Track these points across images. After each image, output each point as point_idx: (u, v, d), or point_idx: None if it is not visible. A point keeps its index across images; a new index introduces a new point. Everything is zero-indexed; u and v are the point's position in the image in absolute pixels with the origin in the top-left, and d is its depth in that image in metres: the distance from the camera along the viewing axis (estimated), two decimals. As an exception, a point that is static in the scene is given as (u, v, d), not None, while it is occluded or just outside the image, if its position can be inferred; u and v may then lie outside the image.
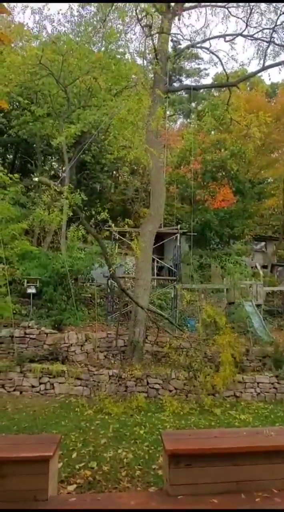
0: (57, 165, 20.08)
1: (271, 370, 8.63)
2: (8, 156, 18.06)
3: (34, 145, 15.79)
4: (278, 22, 12.19)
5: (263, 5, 12.57)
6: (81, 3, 14.51)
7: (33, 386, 7.72)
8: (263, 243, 19.54)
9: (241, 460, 2.73)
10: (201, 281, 14.32)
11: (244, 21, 12.74)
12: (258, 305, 11.75)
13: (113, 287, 11.25)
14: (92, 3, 13.99)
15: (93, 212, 8.71)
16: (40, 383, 7.75)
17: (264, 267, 17.11)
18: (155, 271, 13.66)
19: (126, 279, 12.33)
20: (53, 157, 19.05)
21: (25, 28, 13.15)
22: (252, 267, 15.00)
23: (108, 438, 5.44)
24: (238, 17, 13.07)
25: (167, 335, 9.34)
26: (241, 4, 12.86)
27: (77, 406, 6.96)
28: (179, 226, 13.42)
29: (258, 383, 8.28)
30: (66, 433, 5.47)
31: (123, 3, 13.30)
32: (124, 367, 8.14)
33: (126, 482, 4.03)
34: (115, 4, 13.02)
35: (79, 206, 7.86)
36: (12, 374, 7.76)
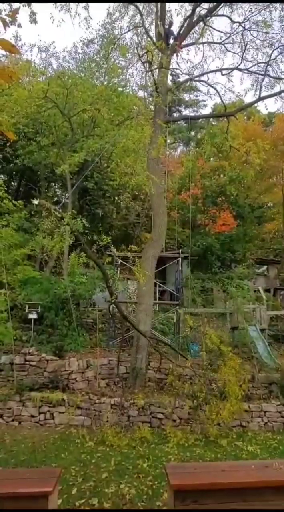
0: (60, 191, 20.55)
1: (278, 398, 8.34)
2: (13, 183, 18.53)
3: (38, 172, 16.25)
4: (272, 56, 12.96)
5: (258, 41, 13.40)
6: (85, 42, 15.47)
7: (32, 416, 7.46)
8: (265, 267, 19.51)
9: (250, 496, 2.59)
10: (204, 305, 14.18)
11: (240, 56, 13.51)
12: (262, 330, 11.55)
13: (115, 312, 11.14)
14: (96, 42, 14.93)
15: (95, 237, 8.76)
16: (40, 413, 7.49)
17: (266, 290, 16.98)
18: (157, 295, 13.57)
19: (128, 303, 12.23)
20: (57, 184, 19.53)
21: (32, 65, 13.98)
22: (254, 291, 14.89)
23: (110, 472, 5.20)
24: (234, 52, 13.86)
25: (170, 361, 9.12)
26: (236, 40, 13.69)
27: (77, 437, 6.70)
28: (180, 250, 13.49)
29: (265, 412, 7.98)
30: (66, 467, 5.24)
31: (125, 42, 14.17)
32: (126, 396, 7.89)
33: (129, 521, 3.81)
34: (117, 42, 13.89)
35: (81, 232, 7.69)
36: (11, 403, 7.53)
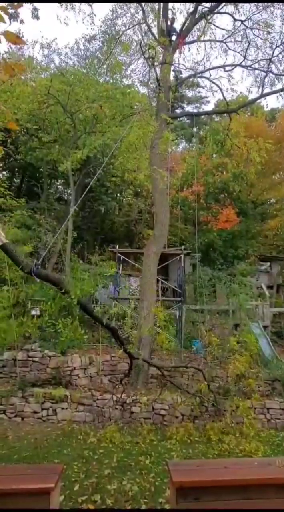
0: (62, 188, 20.50)
1: (281, 395, 8.31)
2: (15, 180, 18.52)
3: (41, 169, 16.21)
4: (274, 54, 12.86)
5: (259, 41, 13.30)
6: (87, 38, 15.36)
7: (35, 412, 7.49)
8: (268, 264, 19.38)
9: (253, 493, 2.56)
10: (205, 301, 14.12)
11: (241, 55, 13.42)
12: (265, 327, 11.50)
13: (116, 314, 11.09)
14: (98, 39, 14.83)
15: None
16: (42, 409, 7.52)
17: (269, 287, 16.88)
18: (160, 292, 13.55)
19: (130, 300, 12.21)
20: (59, 180, 19.48)
21: (34, 62, 13.87)
22: (257, 288, 14.81)
23: (112, 469, 5.20)
24: (236, 51, 13.77)
25: (173, 358, 9.11)
26: (238, 39, 13.59)
27: (80, 433, 6.71)
28: (183, 247, 13.43)
29: (268, 409, 7.96)
30: (68, 463, 5.25)
31: (127, 39, 14.06)
32: (129, 392, 7.89)
33: (131, 517, 3.80)
34: (119, 38, 13.77)
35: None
36: (14, 399, 7.56)
